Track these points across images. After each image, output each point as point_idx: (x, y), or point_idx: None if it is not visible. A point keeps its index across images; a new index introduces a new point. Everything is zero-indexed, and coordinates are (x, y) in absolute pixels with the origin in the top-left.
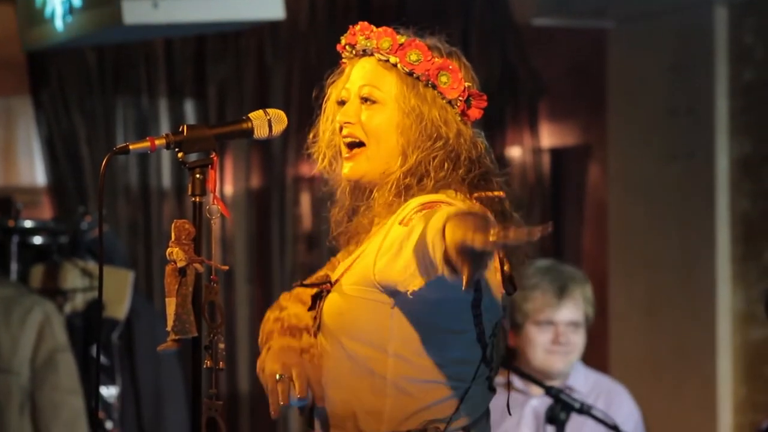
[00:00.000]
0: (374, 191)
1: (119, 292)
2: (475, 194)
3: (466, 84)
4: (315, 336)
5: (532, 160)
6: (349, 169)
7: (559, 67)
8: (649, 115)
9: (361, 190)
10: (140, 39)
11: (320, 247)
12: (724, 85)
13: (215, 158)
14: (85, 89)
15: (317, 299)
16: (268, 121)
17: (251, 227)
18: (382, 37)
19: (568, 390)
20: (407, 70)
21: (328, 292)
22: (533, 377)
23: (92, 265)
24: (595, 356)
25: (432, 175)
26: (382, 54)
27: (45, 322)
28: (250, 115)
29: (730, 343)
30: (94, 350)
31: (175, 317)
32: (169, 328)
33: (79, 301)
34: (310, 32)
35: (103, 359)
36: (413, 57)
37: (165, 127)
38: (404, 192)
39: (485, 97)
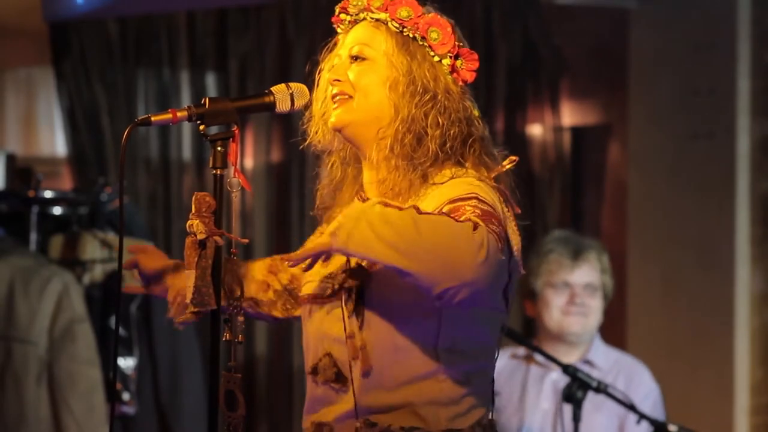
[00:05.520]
0: (366, 155)
1: None
2: (493, 173)
3: (457, 42)
4: (359, 330)
5: (552, 138)
6: (335, 117)
7: (580, 46)
8: (670, 94)
9: (352, 160)
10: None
11: None
12: (746, 65)
13: (237, 131)
14: (106, 60)
15: (355, 293)
16: (290, 95)
17: (271, 201)
18: None
19: (588, 365)
20: (397, 26)
21: (365, 283)
22: (551, 356)
23: (111, 237)
24: (613, 336)
25: (430, 133)
26: (372, 11)
27: (63, 292)
28: (272, 88)
29: (748, 324)
30: (112, 321)
31: (194, 290)
32: (188, 301)
33: (97, 272)
34: (331, 6)
35: (120, 331)
36: (403, 13)
37: (186, 100)
38: (403, 147)
39: (476, 57)
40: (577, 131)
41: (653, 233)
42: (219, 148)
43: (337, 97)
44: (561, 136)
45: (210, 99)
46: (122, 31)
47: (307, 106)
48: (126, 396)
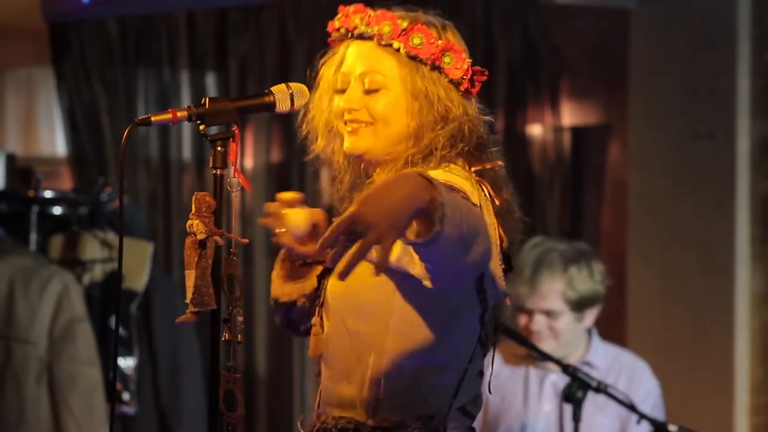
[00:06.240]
0: (376, 171)
1: (138, 264)
2: (474, 168)
3: (468, 61)
4: (318, 315)
5: (552, 138)
6: (351, 143)
7: (580, 46)
8: (670, 94)
9: (359, 166)
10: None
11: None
12: (746, 65)
13: (237, 131)
14: (106, 60)
15: (321, 278)
16: (290, 95)
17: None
18: (382, 22)
19: (587, 367)
20: (412, 55)
21: (331, 270)
22: (549, 355)
23: (111, 237)
24: (613, 336)
25: (438, 152)
26: (384, 39)
27: (63, 292)
28: (272, 88)
29: (748, 324)
30: (112, 321)
31: (194, 290)
32: (188, 301)
33: (97, 273)
34: (331, 6)
35: (121, 331)
36: (416, 41)
37: (186, 100)
38: (410, 167)
39: (486, 72)
40: (577, 131)
41: (653, 233)
42: (219, 148)
43: (354, 124)
44: (561, 136)
45: (210, 99)
46: (122, 31)
47: (307, 106)
48: (126, 396)
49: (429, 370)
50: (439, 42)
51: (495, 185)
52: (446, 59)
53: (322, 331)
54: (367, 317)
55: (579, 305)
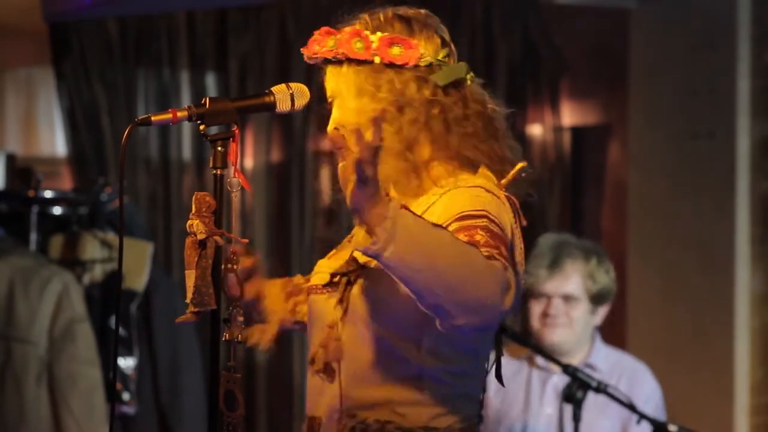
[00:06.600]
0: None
1: (138, 264)
2: (503, 182)
3: (377, 36)
4: (342, 321)
5: (552, 138)
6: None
7: (580, 46)
8: (670, 94)
9: None
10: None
11: (339, 222)
12: (746, 65)
13: (237, 131)
14: (106, 60)
15: (344, 284)
16: (290, 95)
17: (271, 201)
18: (324, 41)
19: (589, 369)
20: (357, 62)
21: (358, 276)
22: (550, 355)
23: (111, 237)
24: (613, 336)
25: (426, 137)
26: (329, 57)
27: (63, 292)
28: (272, 88)
29: (748, 324)
30: (112, 321)
31: (194, 290)
32: (188, 301)
33: (97, 273)
34: (331, 6)
35: (120, 331)
36: (358, 45)
37: (186, 100)
38: (406, 160)
39: (397, 38)
40: (577, 131)
41: (653, 233)
42: (219, 148)
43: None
44: (561, 136)
45: (210, 99)
46: (122, 31)
47: (308, 105)
48: (126, 396)
49: (458, 379)
50: (339, 36)
51: (523, 199)
52: (357, 45)
53: (339, 334)
54: (399, 331)
55: (596, 298)
